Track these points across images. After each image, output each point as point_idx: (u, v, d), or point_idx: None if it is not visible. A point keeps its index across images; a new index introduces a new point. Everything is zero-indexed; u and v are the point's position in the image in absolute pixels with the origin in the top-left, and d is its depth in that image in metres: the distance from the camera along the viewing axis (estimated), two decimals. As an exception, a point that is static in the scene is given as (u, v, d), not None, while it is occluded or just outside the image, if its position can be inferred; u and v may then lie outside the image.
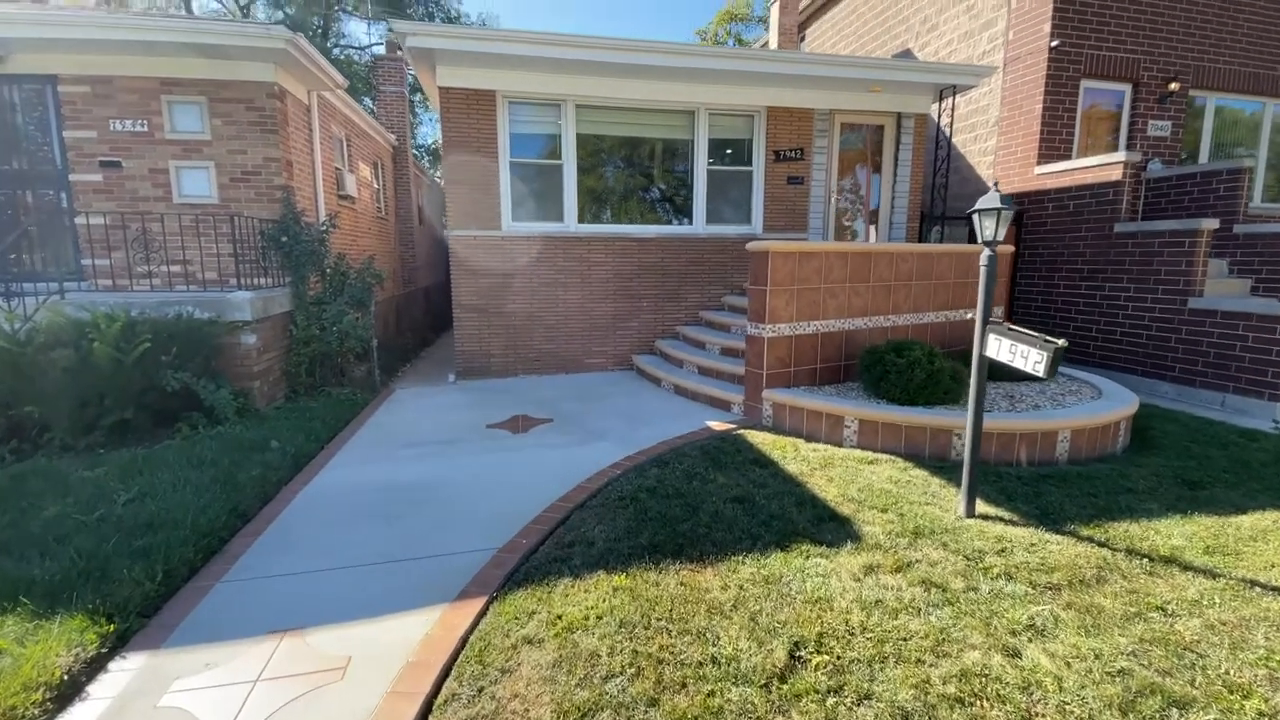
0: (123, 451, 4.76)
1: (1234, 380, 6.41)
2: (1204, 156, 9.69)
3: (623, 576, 2.96)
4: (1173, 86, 9.02)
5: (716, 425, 5.43)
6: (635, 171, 8.09)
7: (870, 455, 4.58)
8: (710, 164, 8.00)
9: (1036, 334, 3.17)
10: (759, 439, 4.98)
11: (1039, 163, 8.69)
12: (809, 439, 5.00)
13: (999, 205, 3.28)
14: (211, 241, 6.30)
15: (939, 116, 8.80)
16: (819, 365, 5.62)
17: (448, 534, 3.52)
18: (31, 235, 6.34)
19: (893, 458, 4.54)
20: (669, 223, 8.19)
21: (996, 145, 9.38)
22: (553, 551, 3.23)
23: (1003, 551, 3.24)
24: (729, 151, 8.15)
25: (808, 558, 3.13)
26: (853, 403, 4.95)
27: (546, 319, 7.68)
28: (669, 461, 4.48)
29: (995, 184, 3.42)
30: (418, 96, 21.78)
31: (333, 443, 5.24)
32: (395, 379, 7.85)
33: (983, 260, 3.40)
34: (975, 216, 3.38)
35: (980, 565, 3.10)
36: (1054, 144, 8.73)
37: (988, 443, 4.49)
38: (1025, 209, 8.90)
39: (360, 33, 35.33)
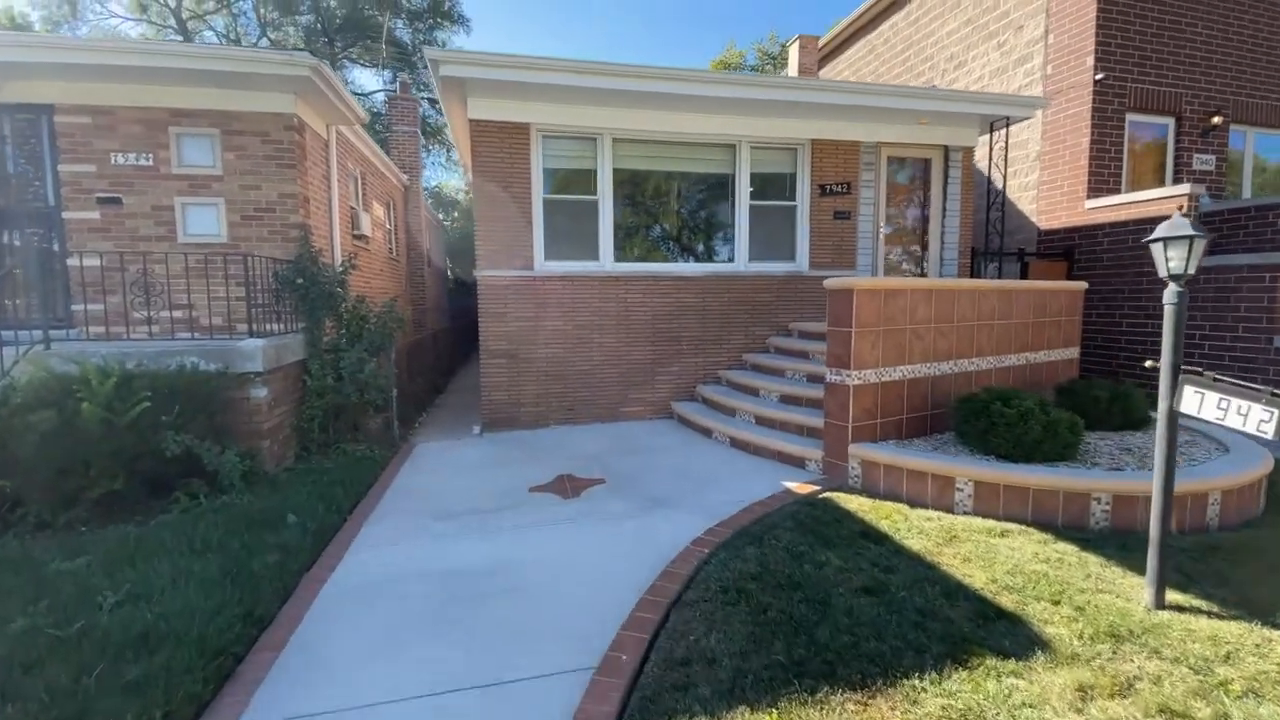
0: (110, 530, 4.01)
1: (1341, 425, 5.86)
2: (1246, 191, 9.43)
3: (773, 715, 2.26)
4: (1216, 120, 8.78)
5: (795, 487, 4.76)
6: (674, 208, 7.62)
7: (995, 525, 3.92)
8: (752, 199, 7.54)
9: (1259, 387, 2.58)
10: (855, 505, 4.31)
11: (1088, 197, 8.33)
12: (911, 503, 4.33)
13: (1191, 232, 2.74)
14: (219, 284, 5.66)
15: (990, 150, 8.46)
16: (905, 416, 5.01)
17: (519, 645, 2.80)
18: (16, 278, 5.69)
19: (1023, 527, 3.88)
20: (710, 260, 7.68)
21: (1039, 180, 9.06)
22: (665, 674, 2.52)
23: (1229, 659, 2.58)
24: (771, 186, 7.71)
25: (999, 677, 2.44)
26: (965, 462, 4.30)
27: (581, 364, 7.05)
28: (761, 536, 3.79)
29: (1180, 208, 2.90)
30: (421, 140, 21.57)
31: (355, 512, 4.52)
32: (413, 431, 7.14)
33: (1169, 299, 2.84)
34: (1158, 246, 2.84)
35: (1214, 680, 2.44)
36: (1102, 178, 8.40)
37: (1132, 507, 3.87)
38: (1076, 244, 8.52)
39: (362, 79, 35.70)
